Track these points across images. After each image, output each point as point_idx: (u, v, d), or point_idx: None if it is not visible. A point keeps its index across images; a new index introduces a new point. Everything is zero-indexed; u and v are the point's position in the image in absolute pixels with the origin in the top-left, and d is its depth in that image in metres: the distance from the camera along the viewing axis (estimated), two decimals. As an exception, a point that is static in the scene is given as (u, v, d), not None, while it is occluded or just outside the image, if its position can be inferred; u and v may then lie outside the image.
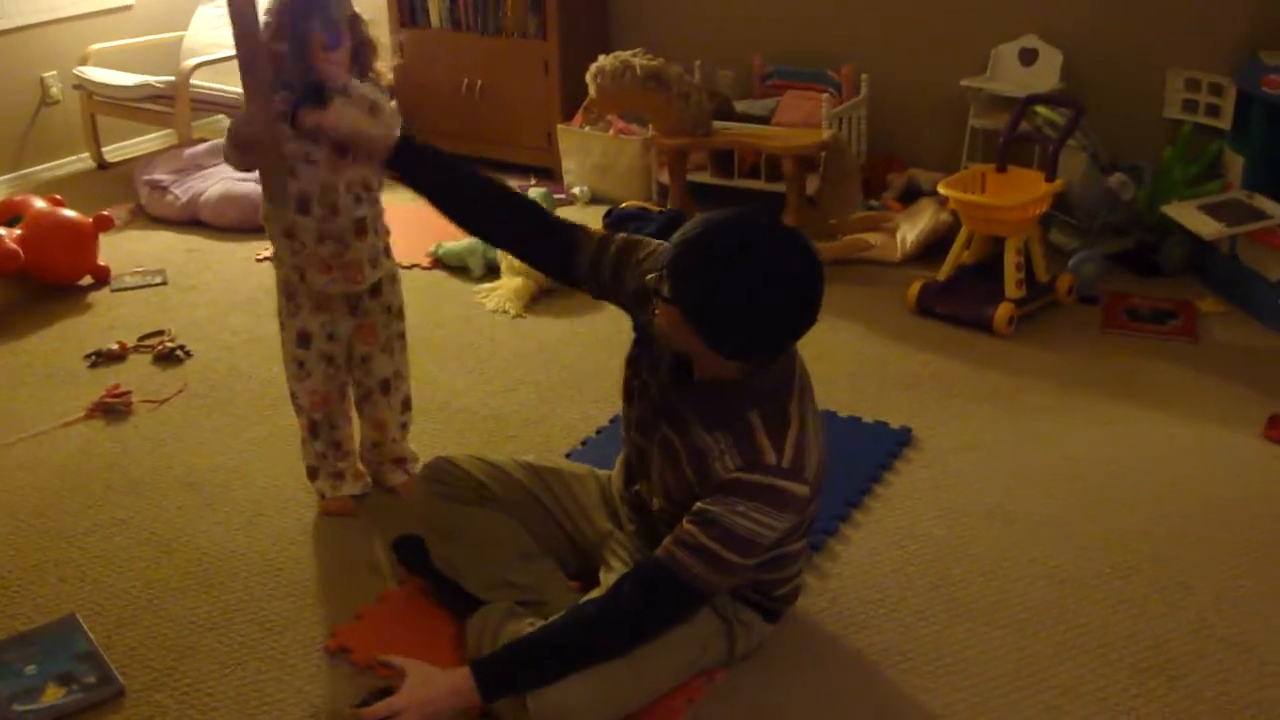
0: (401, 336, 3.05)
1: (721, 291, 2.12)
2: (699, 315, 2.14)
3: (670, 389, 2.33)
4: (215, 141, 5.36)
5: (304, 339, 2.93)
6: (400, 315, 3.04)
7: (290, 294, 2.90)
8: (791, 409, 2.26)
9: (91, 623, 2.68)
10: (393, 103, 2.83)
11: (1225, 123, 4.47)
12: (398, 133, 2.49)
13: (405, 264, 4.35)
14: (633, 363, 2.47)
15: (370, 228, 2.87)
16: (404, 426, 3.16)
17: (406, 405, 3.14)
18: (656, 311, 2.24)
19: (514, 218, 2.48)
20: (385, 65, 2.84)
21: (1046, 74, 4.80)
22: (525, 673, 2.22)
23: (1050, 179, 4.10)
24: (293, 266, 2.86)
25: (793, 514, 2.22)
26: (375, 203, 2.89)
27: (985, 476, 3.21)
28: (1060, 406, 3.57)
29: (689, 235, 2.15)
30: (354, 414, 3.12)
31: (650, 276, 2.23)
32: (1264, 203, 4.06)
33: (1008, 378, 3.75)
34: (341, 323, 2.94)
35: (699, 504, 2.21)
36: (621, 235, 2.46)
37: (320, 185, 2.76)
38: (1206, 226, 4.06)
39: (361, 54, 2.79)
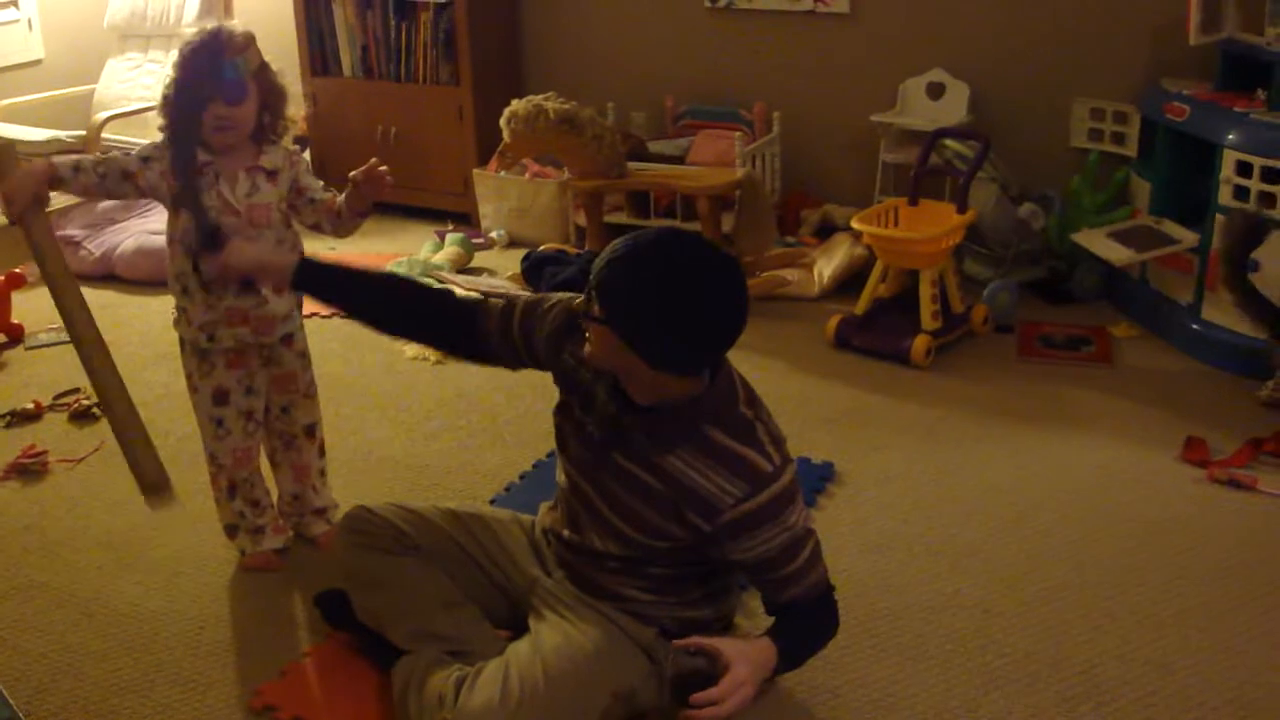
0: (312, 382, 3.04)
1: (652, 302, 2.13)
2: (633, 330, 2.14)
3: (615, 420, 2.32)
4: (127, 195, 5.29)
5: (221, 397, 2.89)
6: (309, 362, 3.02)
7: (203, 354, 2.87)
8: (743, 411, 2.29)
9: (12, 689, 2.62)
10: (292, 229, 2.88)
11: (1131, 150, 4.57)
12: (296, 257, 2.55)
13: (324, 313, 4.33)
14: (562, 408, 2.47)
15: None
16: (322, 473, 3.14)
17: (323, 452, 3.12)
18: (587, 338, 2.24)
19: (421, 314, 2.57)
20: (297, 113, 2.84)
21: (954, 107, 4.88)
22: (802, 648, 2.36)
23: (961, 210, 4.15)
24: (202, 325, 2.82)
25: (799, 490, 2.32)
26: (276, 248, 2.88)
27: (908, 509, 3.23)
28: (980, 436, 3.61)
29: (614, 254, 2.17)
30: (267, 469, 3.09)
31: (578, 301, 2.25)
32: (1172, 228, 4.14)
33: (927, 409, 3.79)
34: (258, 375, 2.91)
35: (760, 548, 2.25)
36: (522, 298, 2.52)
37: (241, 237, 2.73)
38: (1116, 253, 4.13)
39: (271, 102, 2.78)
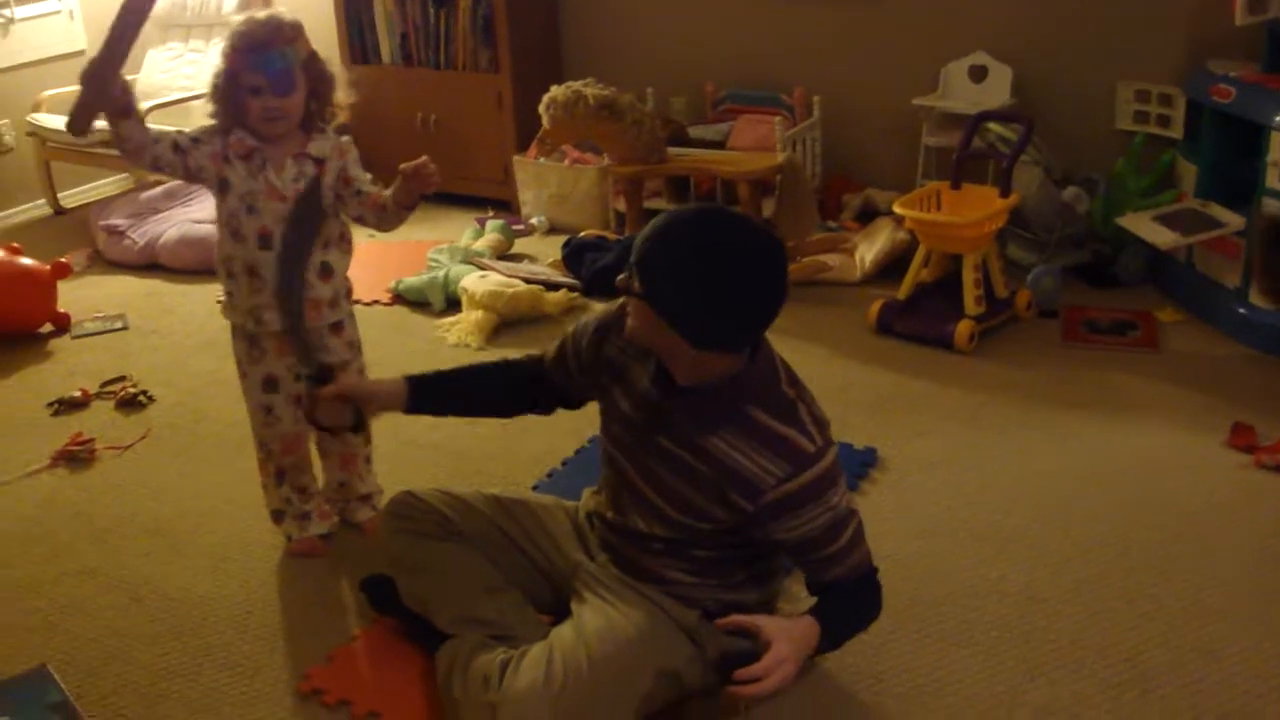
0: (362, 371, 3.05)
1: (691, 277, 2.14)
2: (671, 305, 2.16)
3: (656, 401, 2.33)
4: (171, 185, 5.33)
5: (270, 383, 2.92)
6: (360, 350, 3.04)
7: (252, 340, 2.89)
8: (785, 391, 2.29)
9: (63, 673, 2.65)
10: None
11: (1177, 132, 4.52)
12: (405, 386, 2.62)
13: (366, 300, 4.36)
14: (605, 396, 2.48)
15: (336, 271, 2.87)
16: (368, 460, 3.16)
17: (369, 439, 3.14)
18: (628, 316, 2.26)
19: (502, 390, 2.70)
20: (345, 97, 2.85)
21: (997, 90, 4.85)
22: (845, 628, 2.37)
23: (1005, 194, 4.13)
24: (250, 309, 2.84)
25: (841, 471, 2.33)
26: (346, 252, 2.91)
27: (952, 495, 3.22)
28: (1024, 421, 3.59)
29: (654, 230, 2.19)
30: (315, 455, 3.11)
31: (620, 278, 2.26)
32: (1218, 211, 4.10)
33: (970, 394, 3.77)
34: None
35: (803, 528, 2.26)
36: (565, 336, 2.60)
37: (285, 222, 2.76)
38: (1162, 237, 4.09)
39: (319, 90, 2.79)
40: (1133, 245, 4.40)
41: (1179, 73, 4.48)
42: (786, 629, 2.24)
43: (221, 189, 2.78)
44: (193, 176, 2.78)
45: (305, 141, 2.79)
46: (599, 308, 2.55)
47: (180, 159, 2.73)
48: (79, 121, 2.65)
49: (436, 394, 2.67)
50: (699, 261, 2.15)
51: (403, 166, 2.77)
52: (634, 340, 2.31)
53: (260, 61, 2.66)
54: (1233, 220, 4.02)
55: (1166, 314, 4.26)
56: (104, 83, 2.59)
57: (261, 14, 2.70)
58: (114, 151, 5.56)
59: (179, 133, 2.75)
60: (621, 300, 2.41)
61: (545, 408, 2.72)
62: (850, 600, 2.38)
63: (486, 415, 2.94)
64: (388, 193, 2.85)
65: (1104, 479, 3.27)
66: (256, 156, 2.74)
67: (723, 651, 2.31)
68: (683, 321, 2.17)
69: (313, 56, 2.76)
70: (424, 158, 2.77)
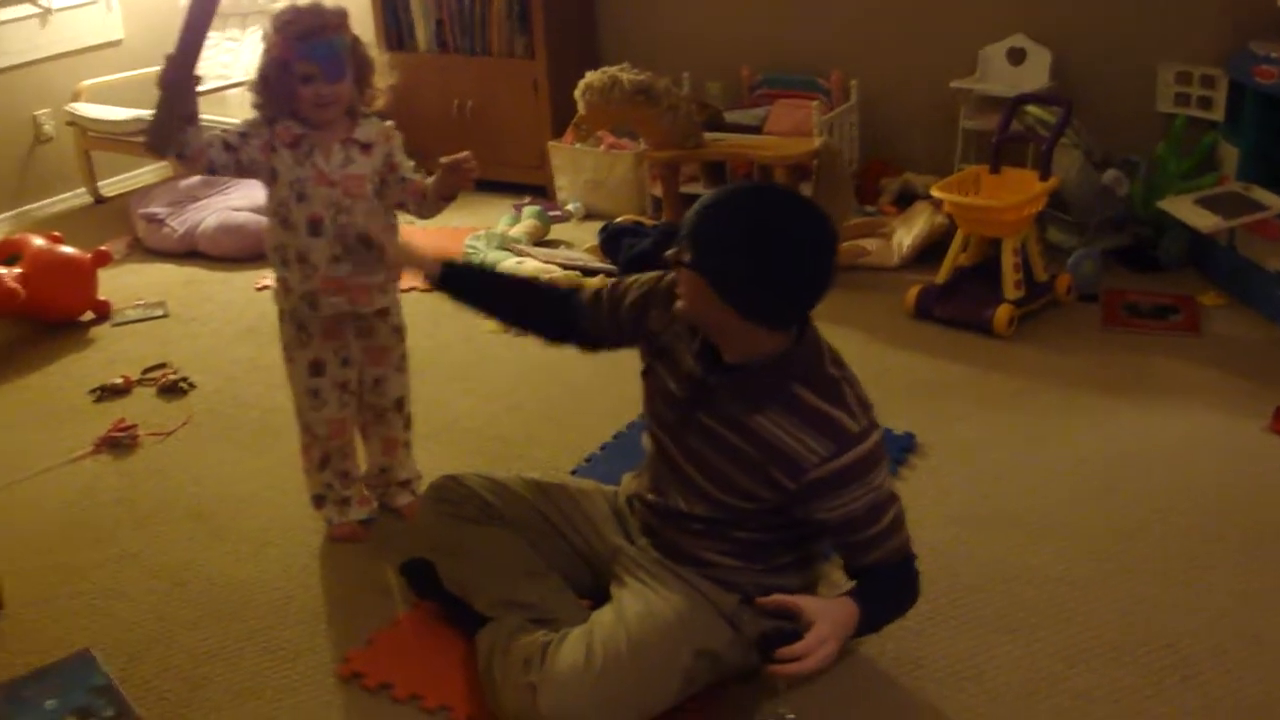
0: (405, 356, 3.07)
1: (745, 248, 2.14)
2: (724, 276, 2.15)
3: (701, 379, 2.33)
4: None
5: (317, 368, 2.94)
6: (404, 336, 3.06)
7: (300, 324, 2.91)
8: (830, 371, 2.29)
9: (106, 656, 2.68)
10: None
11: (1218, 114, 4.48)
12: (439, 260, 2.68)
13: (404, 287, 4.36)
14: (647, 371, 2.48)
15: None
16: (408, 445, 3.18)
17: (409, 424, 3.16)
18: (678, 290, 2.26)
19: (541, 310, 2.70)
20: (383, 81, 2.86)
21: (1036, 73, 4.81)
22: (882, 612, 2.36)
23: (1044, 178, 4.10)
24: (303, 294, 2.86)
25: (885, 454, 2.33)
26: (391, 235, 2.91)
27: (991, 480, 3.21)
28: (1064, 406, 3.57)
29: (706, 203, 2.19)
30: (358, 441, 3.13)
31: (670, 251, 2.26)
32: (1260, 194, 4.07)
33: (1009, 379, 3.75)
34: (353, 347, 2.95)
35: (844, 508, 2.26)
36: (610, 282, 2.59)
37: (335, 206, 2.78)
38: (1204, 220, 4.06)
39: (361, 74, 2.81)
40: (1174, 228, 4.37)
41: (1221, 54, 4.44)
42: (827, 609, 2.24)
43: (272, 177, 2.79)
44: (245, 172, 2.79)
45: (351, 127, 2.81)
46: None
47: (232, 157, 2.74)
48: (161, 138, 2.64)
49: (471, 279, 2.76)
50: (754, 233, 2.15)
51: (443, 159, 2.78)
52: (682, 317, 2.31)
53: (311, 49, 2.67)
54: (1275, 203, 3.98)
55: (1208, 298, 4.23)
56: (186, 89, 2.60)
57: (305, 1, 2.71)
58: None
59: (224, 131, 2.76)
60: (661, 274, 2.41)
61: (574, 341, 2.69)
62: (888, 585, 2.37)
63: (519, 325, 2.85)
64: (429, 181, 2.86)
65: (1144, 464, 3.25)
66: (304, 144, 2.76)
67: (763, 630, 2.31)
68: (734, 292, 2.16)
69: (356, 42, 2.78)
70: (466, 153, 2.78)
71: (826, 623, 2.20)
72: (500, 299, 2.75)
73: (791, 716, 2.34)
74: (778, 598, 2.25)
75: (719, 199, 2.20)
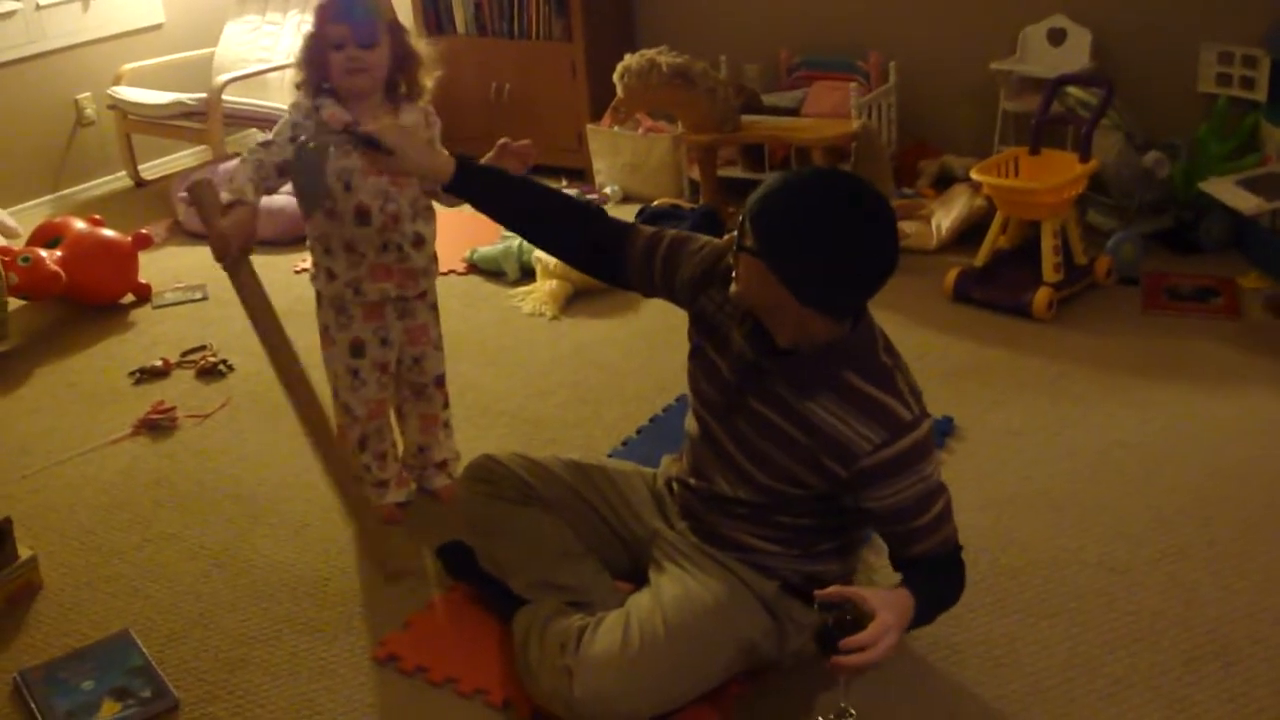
0: (441, 335, 3.10)
1: (809, 235, 2.10)
2: (786, 262, 2.10)
3: (753, 362, 2.30)
4: (248, 155, 5.38)
5: (358, 349, 2.95)
6: (439, 315, 3.08)
7: (340, 308, 2.92)
8: (883, 359, 2.27)
9: (145, 637, 2.70)
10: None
11: (1261, 95, 4.43)
12: (451, 160, 2.46)
13: (441, 270, 4.37)
14: (696, 352, 2.45)
15: (427, 240, 2.93)
16: (447, 424, 3.19)
17: (448, 403, 3.18)
18: (735, 274, 2.20)
19: (569, 228, 2.53)
20: (429, 77, 2.86)
21: (1076, 53, 4.77)
22: (935, 603, 2.31)
23: (1084, 160, 4.07)
24: (348, 281, 2.87)
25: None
26: (431, 220, 2.93)
27: (1030, 464, 3.19)
28: (1104, 390, 3.54)
29: (770, 188, 2.15)
30: (394, 423, 3.14)
31: (729, 236, 2.23)
32: (1303, 176, 4.03)
33: (1049, 363, 3.73)
34: (393, 327, 2.96)
35: (894, 497, 2.24)
36: (671, 233, 2.49)
37: (383, 196, 2.79)
38: (1246, 201, 4.01)
39: (406, 66, 2.81)
40: (1215, 210, 4.32)
41: (1264, 33, 4.38)
42: (888, 599, 2.19)
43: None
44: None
45: (395, 113, 2.81)
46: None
47: (286, 178, 2.76)
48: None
49: (487, 184, 2.51)
50: (818, 218, 2.10)
51: (504, 140, 2.76)
52: (740, 301, 2.24)
53: (342, 10, 2.69)
54: (1320, 185, 3.94)
55: (1250, 280, 4.18)
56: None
57: None
58: (194, 124, 5.66)
59: (266, 149, 2.73)
60: (721, 252, 2.38)
61: (599, 271, 2.58)
62: (938, 576, 2.34)
63: (534, 237, 2.63)
64: None
65: (1186, 449, 3.22)
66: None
67: (823, 622, 2.26)
68: (794, 279, 2.10)
69: (396, 24, 2.79)
70: (527, 140, 2.76)
71: (890, 612, 2.15)
72: (523, 209, 2.54)
73: (853, 712, 2.32)
74: (839, 589, 2.22)
75: (784, 184, 2.14)
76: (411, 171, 2.54)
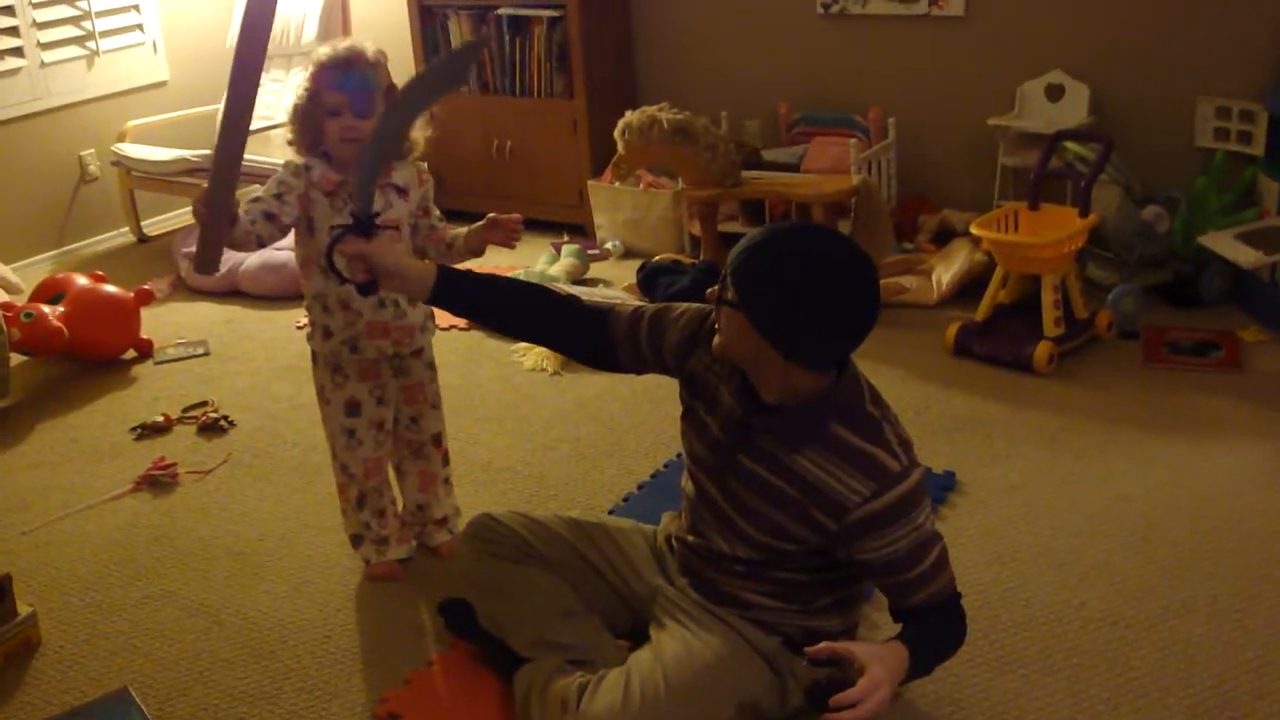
0: (438, 392, 3.09)
1: (789, 288, 2.13)
2: (767, 315, 2.14)
3: (742, 419, 2.31)
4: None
5: (353, 408, 2.94)
6: (436, 372, 3.07)
7: (336, 366, 2.92)
8: (870, 410, 2.27)
9: (144, 695, 2.69)
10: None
11: (1258, 149, 4.45)
12: (434, 269, 2.42)
13: (443, 325, 4.38)
14: (687, 413, 2.47)
15: None
16: (447, 481, 3.18)
17: (447, 460, 3.17)
18: (718, 327, 2.24)
19: (551, 320, 2.55)
20: (421, 134, 2.87)
21: (1074, 109, 4.80)
22: (932, 654, 2.31)
23: (1084, 214, 4.08)
24: (345, 339, 2.87)
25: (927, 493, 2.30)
26: None
27: (1032, 519, 3.18)
28: (1105, 445, 3.54)
29: (753, 241, 2.19)
30: (393, 480, 3.14)
31: (711, 290, 2.26)
32: (1302, 229, 4.04)
33: (1050, 417, 3.73)
34: (389, 386, 2.96)
35: (887, 548, 2.23)
36: (649, 307, 2.52)
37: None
38: (1245, 255, 4.03)
39: None
40: (1215, 264, 4.34)
41: (1260, 88, 4.42)
42: (879, 653, 2.19)
43: (309, 229, 2.81)
44: (288, 231, 2.82)
45: (389, 171, 2.82)
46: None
47: (276, 225, 2.75)
48: (209, 263, 2.65)
49: (468, 290, 2.45)
50: (798, 272, 2.14)
51: (491, 215, 2.79)
52: (722, 355, 2.29)
53: (341, 81, 2.70)
54: (1318, 238, 3.95)
55: (1250, 334, 4.19)
56: (224, 211, 2.58)
57: (345, 41, 2.75)
58: (198, 180, 5.68)
59: (258, 200, 2.74)
60: (706, 313, 2.40)
61: (588, 359, 2.59)
62: (935, 626, 2.34)
63: (523, 336, 2.73)
64: (454, 232, 2.88)
65: (1187, 503, 3.21)
66: (343, 191, 2.77)
67: (813, 679, 2.26)
68: (776, 332, 2.15)
69: (394, 88, 2.79)
70: (516, 215, 2.78)
71: (880, 666, 2.15)
72: (509, 308, 2.53)
73: None
74: (829, 645, 2.22)
75: (765, 238, 2.19)
76: (390, 269, 2.40)
